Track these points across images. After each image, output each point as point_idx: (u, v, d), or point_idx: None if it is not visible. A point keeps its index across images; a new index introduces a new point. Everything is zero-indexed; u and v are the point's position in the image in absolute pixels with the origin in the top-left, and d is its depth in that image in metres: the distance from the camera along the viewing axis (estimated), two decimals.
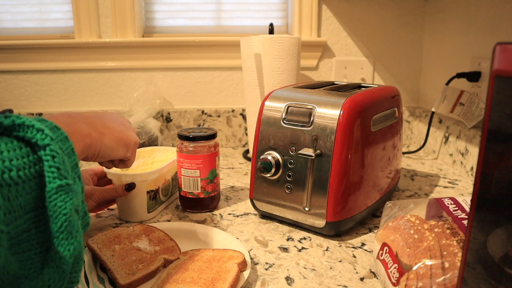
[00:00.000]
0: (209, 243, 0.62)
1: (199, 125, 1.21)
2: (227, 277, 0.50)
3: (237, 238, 0.62)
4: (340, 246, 0.63)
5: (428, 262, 0.43)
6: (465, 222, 0.47)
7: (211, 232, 0.64)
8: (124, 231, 0.61)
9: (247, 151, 1.13)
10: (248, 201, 0.80)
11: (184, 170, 0.72)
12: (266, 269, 0.56)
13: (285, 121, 0.66)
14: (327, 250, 0.61)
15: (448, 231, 0.47)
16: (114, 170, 0.76)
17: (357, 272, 0.55)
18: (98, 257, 0.55)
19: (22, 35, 1.18)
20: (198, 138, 0.71)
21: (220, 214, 0.74)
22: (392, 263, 0.47)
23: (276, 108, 0.68)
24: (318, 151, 0.62)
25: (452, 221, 0.48)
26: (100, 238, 0.58)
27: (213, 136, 0.73)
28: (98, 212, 0.75)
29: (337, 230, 0.64)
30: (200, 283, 0.49)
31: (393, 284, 0.46)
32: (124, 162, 0.60)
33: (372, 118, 0.66)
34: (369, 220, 0.71)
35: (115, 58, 1.16)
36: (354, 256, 0.60)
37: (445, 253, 0.43)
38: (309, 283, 0.53)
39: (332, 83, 0.81)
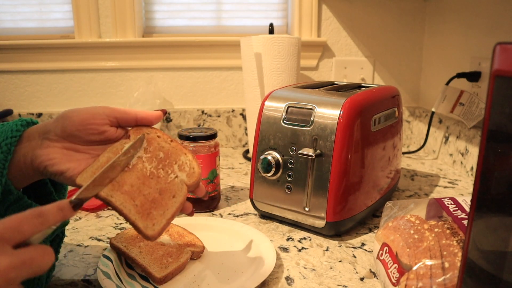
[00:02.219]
0: (227, 234, 0.64)
1: (199, 125, 1.21)
2: (169, 205, 0.43)
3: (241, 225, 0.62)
4: (340, 246, 0.63)
5: (428, 262, 0.43)
6: (465, 222, 0.47)
7: (225, 224, 0.66)
8: None
9: (247, 151, 1.13)
10: (248, 201, 0.80)
11: None
12: None
13: (285, 121, 0.66)
14: (327, 250, 0.61)
15: (448, 231, 0.47)
16: None
17: (357, 272, 0.55)
18: (126, 254, 0.55)
19: (22, 35, 1.18)
20: (198, 138, 0.71)
21: (220, 214, 0.74)
22: (392, 263, 0.47)
23: (276, 108, 0.68)
24: (318, 151, 0.62)
25: (452, 221, 0.48)
26: (123, 236, 0.59)
27: (213, 136, 0.73)
28: (98, 212, 0.75)
29: (337, 230, 0.64)
30: (137, 201, 0.42)
31: (393, 284, 0.46)
32: None
33: (372, 118, 0.66)
34: (369, 220, 0.71)
35: (115, 58, 1.16)
36: (354, 256, 0.60)
37: (445, 253, 0.43)
38: (309, 283, 0.53)
39: (332, 83, 0.81)
